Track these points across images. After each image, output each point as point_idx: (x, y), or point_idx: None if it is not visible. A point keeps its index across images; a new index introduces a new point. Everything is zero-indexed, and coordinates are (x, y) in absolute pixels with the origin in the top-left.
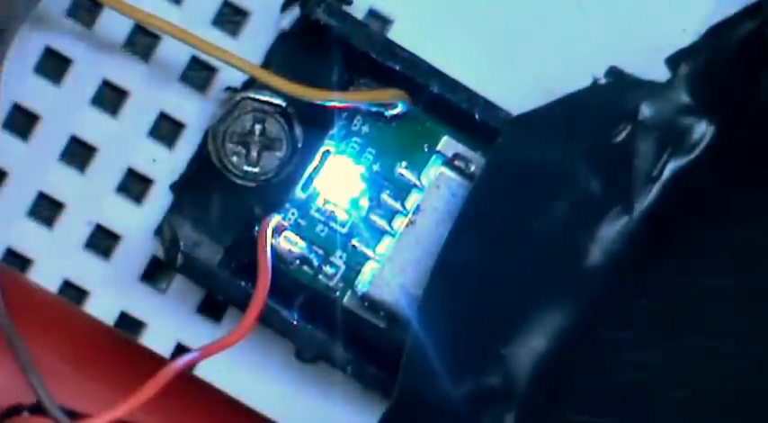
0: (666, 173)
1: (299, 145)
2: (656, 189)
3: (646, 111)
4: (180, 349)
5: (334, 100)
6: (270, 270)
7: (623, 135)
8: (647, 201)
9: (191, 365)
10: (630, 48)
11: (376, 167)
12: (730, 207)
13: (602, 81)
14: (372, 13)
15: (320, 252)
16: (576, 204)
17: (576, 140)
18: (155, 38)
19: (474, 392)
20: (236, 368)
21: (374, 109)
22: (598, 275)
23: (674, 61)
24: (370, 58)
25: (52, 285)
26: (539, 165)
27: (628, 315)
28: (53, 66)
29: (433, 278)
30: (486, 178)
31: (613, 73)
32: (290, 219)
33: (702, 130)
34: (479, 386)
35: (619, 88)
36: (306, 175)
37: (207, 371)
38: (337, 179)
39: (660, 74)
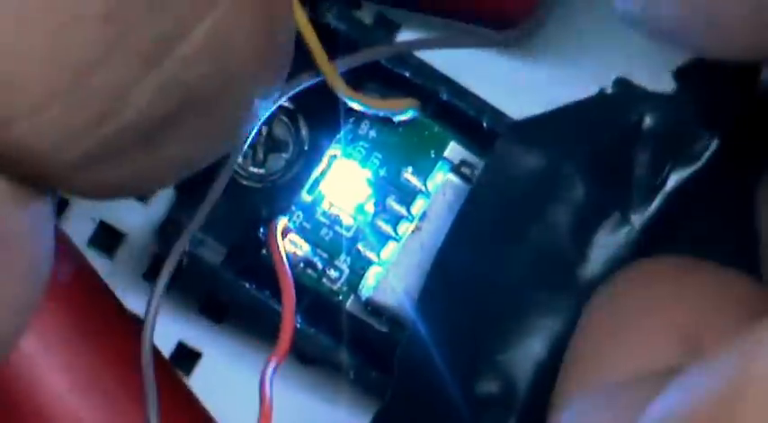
0: (669, 183)
1: (306, 147)
2: (658, 199)
3: (649, 121)
4: (181, 349)
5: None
6: (291, 276)
7: (626, 144)
8: (648, 210)
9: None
10: (638, 59)
11: (382, 172)
12: (733, 217)
13: (609, 91)
14: (380, 18)
15: (324, 256)
16: (577, 212)
17: (578, 148)
18: None
19: (471, 399)
20: (236, 370)
21: (382, 114)
22: (598, 283)
23: (680, 73)
24: (379, 63)
25: None
26: (538, 171)
27: None
28: None
29: (429, 282)
30: (485, 183)
31: (620, 84)
32: (295, 221)
33: (706, 141)
34: (477, 393)
35: (624, 98)
36: (312, 178)
37: (207, 372)
38: (343, 183)
39: (667, 85)
